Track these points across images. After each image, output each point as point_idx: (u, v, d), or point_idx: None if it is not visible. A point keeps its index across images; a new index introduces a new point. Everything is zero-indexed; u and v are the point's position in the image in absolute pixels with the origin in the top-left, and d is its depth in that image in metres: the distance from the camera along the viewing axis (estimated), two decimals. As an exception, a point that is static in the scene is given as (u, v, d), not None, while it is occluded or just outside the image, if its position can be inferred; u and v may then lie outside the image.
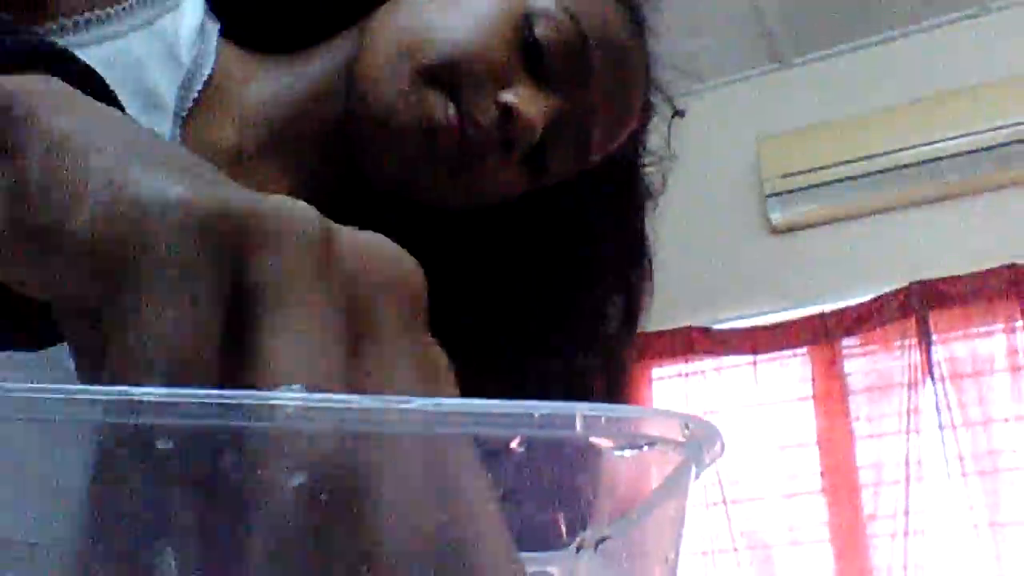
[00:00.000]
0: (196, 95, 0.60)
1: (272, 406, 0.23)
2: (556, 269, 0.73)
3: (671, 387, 3.12)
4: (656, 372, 3.17)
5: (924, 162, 2.90)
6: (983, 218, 2.89)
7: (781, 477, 2.87)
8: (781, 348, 2.99)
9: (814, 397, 2.91)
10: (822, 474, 2.82)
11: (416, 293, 0.28)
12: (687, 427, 0.26)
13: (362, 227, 0.72)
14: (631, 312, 0.76)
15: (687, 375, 3.09)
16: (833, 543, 2.75)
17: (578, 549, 0.28)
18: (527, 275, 0.72)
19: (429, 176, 0.62)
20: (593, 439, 0.25)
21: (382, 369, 0.25)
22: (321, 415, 0.23)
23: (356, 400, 0.24)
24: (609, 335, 0.74)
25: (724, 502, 2.89)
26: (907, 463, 2.71)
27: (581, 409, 0.25)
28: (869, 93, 3.11)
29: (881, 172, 2.95)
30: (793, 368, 2.98)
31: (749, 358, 3.02)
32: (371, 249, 0.28)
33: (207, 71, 0.61)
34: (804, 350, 2.96)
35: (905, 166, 2.92)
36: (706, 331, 3.10)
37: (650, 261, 0.78)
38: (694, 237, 3.22)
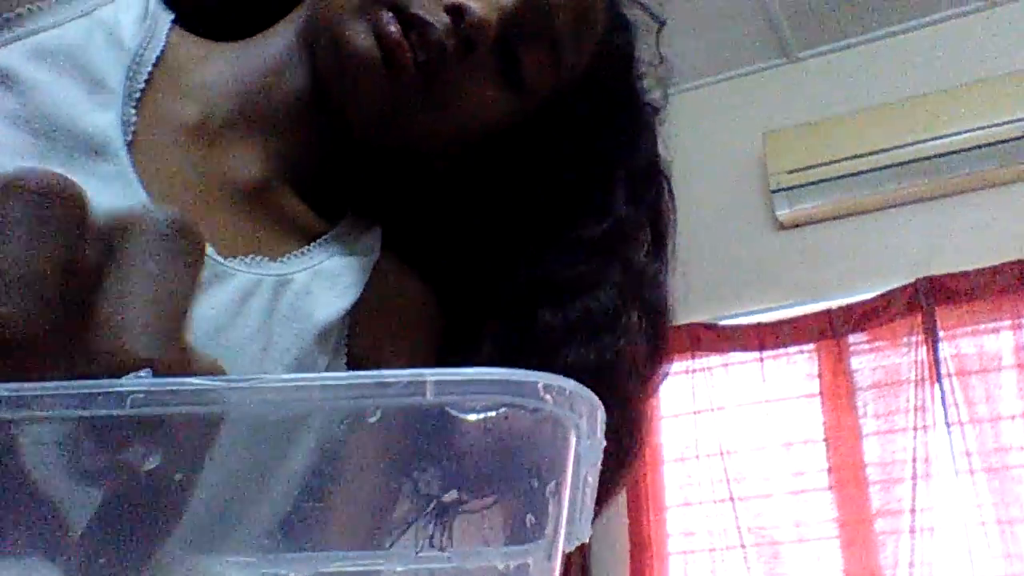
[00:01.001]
0: (147, 75, 0.60)
1: (121, 393, 0.24)
2: (567, 201, 0.71)
3: (678, 383, 3.11)
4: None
5: (931, 157, 2.89)
6: (991, 214, 2.88)
7: (788, 474, 2.87)
8: (788, 344, 2.99)
9: (821, 393, 2.90)
10: (829, 471, 2.82)
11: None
12: (549, 392, 0.26)
13: (355, 193, 0.71)
14: (659, 236, 0.73)
15: (693, 371, 3.08)
16: (841, 540, 2.75)
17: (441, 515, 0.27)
18: (536, 214, 0.71)
19: (403, 107, 0.62)
20: (446, 405, 0.25)
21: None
22: (168, 398, 0.24)
23: (202, 382, 0.25)
24: (639, 267, 0.70)
25: (731, 499, 2.89)
26: (914, 460, 2.70)
27: (428, 375, 0.25)
28: (876, 88, 3.10)
29: (888, 167, 2.94)
30: (800, 364, 2.97)
31: (756, 354, 3.02)
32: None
33: (155, 53, 0.62)
34: (811, 346, 2.95)
35: (912, 161, 2.91)
36: (712, 327, 3.09)
37: (668, 179, 0.76)
38: (700, 232, 3.22)
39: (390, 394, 0.25)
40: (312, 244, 0.65)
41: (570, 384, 0.27)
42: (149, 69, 0.61)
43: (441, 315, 0.70)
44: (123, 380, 0.25)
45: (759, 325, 3.04)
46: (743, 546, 2.85)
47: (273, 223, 0.64)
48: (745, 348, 3.04)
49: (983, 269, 2.76)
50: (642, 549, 2.93)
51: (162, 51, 0.62)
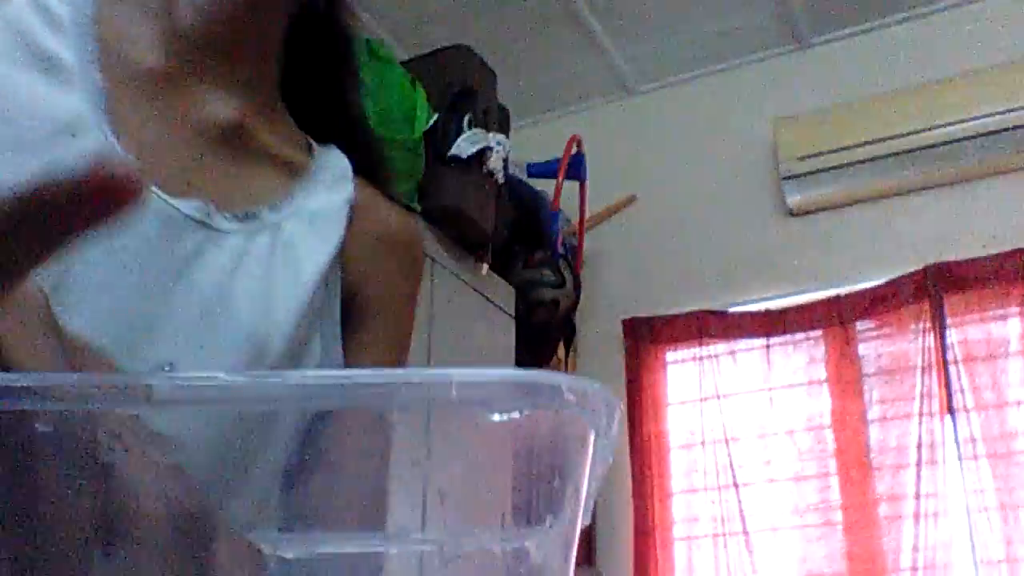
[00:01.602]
0: (95, 38, 0.61)
1: (146, 387, 0.24)
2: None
3: (685, 371, 3.12)
4: (670, 356, 3.17)
5: (941, 144, 2.87)
6: (1000, 201, 2.86)
7: (794, 459, 2.87)
8: (795, 331, 2.98)
9: (828, 380, 2.90)
10: (835, 456, 2.82)
11: None
12: (573, 393, 0.26)
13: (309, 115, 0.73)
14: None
15: (701, 359, 3.08)
16: (844, 525, 2.75)
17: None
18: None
19: None
20: (468, 403, 0.26)
21: None
22: (192, 394, 0.25)
23: (226, 378, 0.25)
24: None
25: (735, 485, 2.90)
26: (920, 446, 2.70)
27: (454, 375, 0.25)
28: (887, 74, 3.08)
29: (898, 154, 2.92)
30: (807, 351, 2.97)
31: (763, 341, 3.02)
32: None
33: (89, 11, 0.63)
34: (819, 333, 2.95)
35: (922, 148, 2.89)
36: (720, 314, 3.09)
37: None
38: (709, 219, 3.22)
39: (415, 393, 0.25)
40: (295, 184, 0.67)
41: (593, 386, 0.27)
42: (93, 31, 0.62)
43: (419, 234, 0.74)
44: (147, 374, 0.26)
45: (766, 312, 3.04)
46: (746, 532, 2.86)
47: (257, 163, 0.65)
48: (752, 335, 3.03)
49: (992, 256, 2.75)
50: (647, 535, 2.94)
51: (94, 9, 0.63)
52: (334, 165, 0.70)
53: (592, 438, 0.28)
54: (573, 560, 0.29)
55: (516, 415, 0.26)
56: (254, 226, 0.62)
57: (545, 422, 0.27)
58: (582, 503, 0.28)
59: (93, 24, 0.62)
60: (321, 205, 0.66)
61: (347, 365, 0.65)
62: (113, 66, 0.61)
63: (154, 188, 0.57)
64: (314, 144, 0.71)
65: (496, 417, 0.26)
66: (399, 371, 0.26)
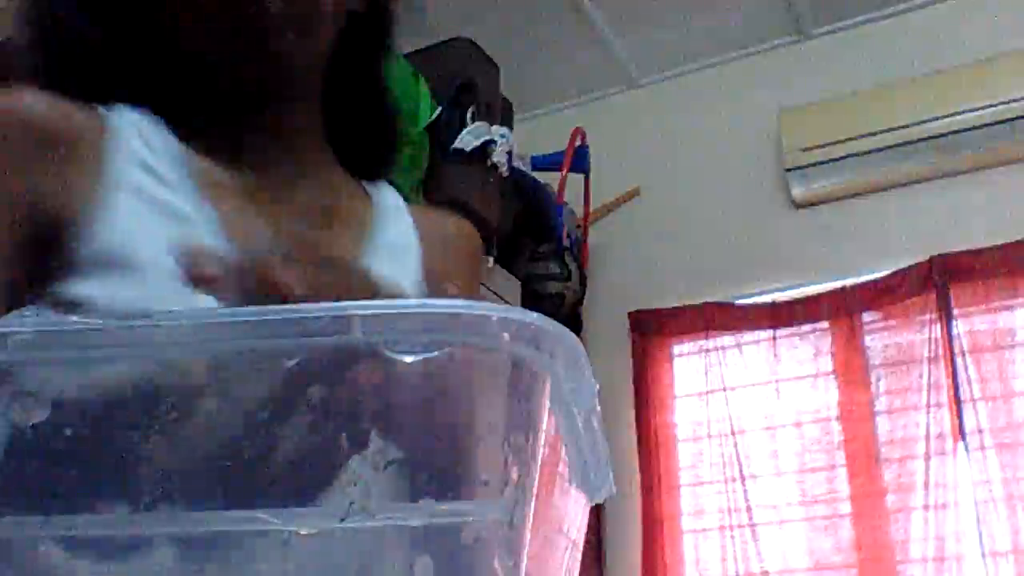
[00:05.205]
0: (195, 186, 0.65)
1: (2, 335, 0.21)
2: None
3: (691, 363, 3.11)
4: (676, 348, 3.16)
5: (946, 135, 2.86)
6: (1005, 191, 2.85)
7: (801, 451, 2.87)
8: (802, 323, 2.97)
9: (835, 372, 2.89)
10: (842, 448, 2.82)
11: None
12: (507, 327, 0.21)
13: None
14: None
15: (707, 351, 3.08)
16: (852, 516, 2.75)
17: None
18: None
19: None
20: (378, 344, 0.21)
21: None
22: (56, 340, 0.21)
23: (93, 322, 0.22)
24: None
25: (742, 477, 2.89)
26: (927, 437, 2.69)
27: (357, 309, 0.21)
28: (891, 65, 3.07)
29: (902, 145, 2.91)
30: (814, 343, 2.96)
31: (769, 333, 3.01)
32: None
33: (185, 169, 0.66)
34: (825, 325, 2.94)
35: (926, 139, 2.88)
36: (726, 307, 3.09)
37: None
38: (714, 212, 3.21)
39: (311, 332, 0.21)
40: (369, 230, 0.71)
41: (534, 318, 0.22)
42: (193, 182, 0.65)
43: (474, 233, 0.79)
44: (6, 320, 0.22)
45: (772, 304, 3.03)
46: (753, 524, 2.85)
47: (340, 224, 0.70)
48: (759, 327, 3.03)
49: (997, 247, 2.74)
50: (655, 528, 2.94)
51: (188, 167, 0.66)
52: (387, 197, 0.76)
53: (547, 384, 0.23)
54: (528, 527, 0.23)
55: (435, 354, 0.21)
56: None
57: (474, 364, 0.22)
58: (535, 464, 0.23)
59: (191, 177, 0.65)
60: (393, 237, 0.71)
61: None
62: (216, 198, 0.65)
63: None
64: (366, 186, 0.76)
65: (409, 359, 0.22)
66: (288, 307, 0.22)
